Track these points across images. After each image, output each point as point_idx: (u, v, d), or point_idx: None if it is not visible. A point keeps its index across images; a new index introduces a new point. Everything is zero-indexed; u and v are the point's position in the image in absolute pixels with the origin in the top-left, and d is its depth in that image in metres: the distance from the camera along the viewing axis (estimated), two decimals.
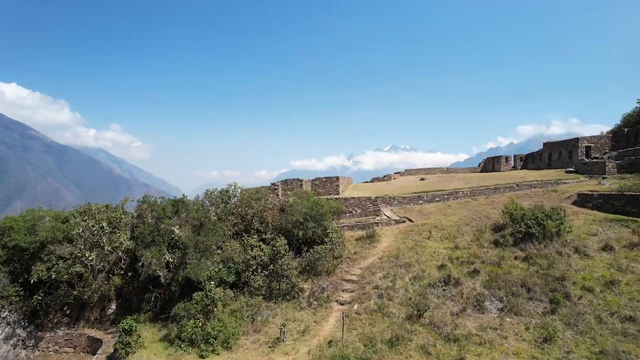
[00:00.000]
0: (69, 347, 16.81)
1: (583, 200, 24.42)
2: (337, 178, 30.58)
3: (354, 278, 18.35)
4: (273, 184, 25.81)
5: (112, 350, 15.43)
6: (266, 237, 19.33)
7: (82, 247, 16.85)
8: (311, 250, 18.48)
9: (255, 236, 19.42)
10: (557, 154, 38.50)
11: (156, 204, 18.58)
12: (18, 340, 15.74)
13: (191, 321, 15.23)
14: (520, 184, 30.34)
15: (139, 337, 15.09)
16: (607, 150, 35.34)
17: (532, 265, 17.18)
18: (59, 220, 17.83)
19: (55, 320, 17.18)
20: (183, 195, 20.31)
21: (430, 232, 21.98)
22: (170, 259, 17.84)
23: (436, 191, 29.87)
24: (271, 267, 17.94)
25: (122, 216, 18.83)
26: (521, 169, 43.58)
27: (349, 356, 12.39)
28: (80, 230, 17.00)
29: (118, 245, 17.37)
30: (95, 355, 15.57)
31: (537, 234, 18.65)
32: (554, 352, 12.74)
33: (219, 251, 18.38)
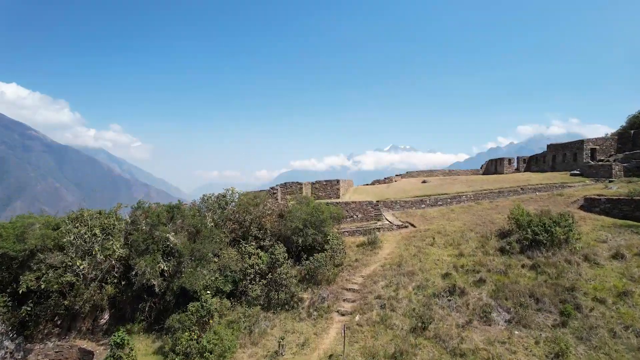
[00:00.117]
0: None
1: (590, 205, 23.81)
2: (338, 181, 29.97)
3: (356, 287, 17.74)
4: (272, 188, 25.19)
5: None
6: (264, 244, 18.72)
7: (74, 256, 16.23)
8: (311, 258, 17.87)
9: (254, 243, 18.81)
10: (561, 156, 37.87)
11: (150, 210, 17.97)
12: (6, 353, 15.13)
13: (186, 333, 14.61)
14: (524, 187, 29.71)
15: (132, 350, 14.48)
16: (612, 153, 34.72)
17: (540, 274, 16.55)
18: (50, 227, 17.21)
19: (45, 331, 16.56)
20: (179, 200, 19.67)
21: (433, 238, 21.36)
22: (165, 267, 17.23)
23: (439, 195, 29.25)
24: (269, 275, 17.32)
25: (116, 222, 18.21)
26: (524, 171, 42.96)
27: None
28: (72, 238, 16.38)
29: (111, 253, 16.75)
30: None
31: (545, 242, 18.03)
32: None
33: (216, 259, 17.78)
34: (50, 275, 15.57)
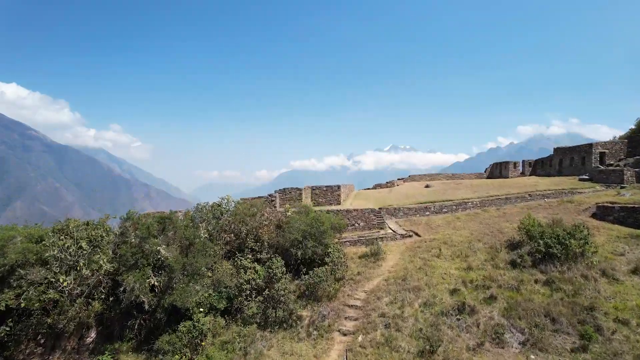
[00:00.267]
0: None
1: (603, 213, 22.75)
2: (339, 187, 28.93)
3: (358, 303, 16.69)
4: (270, 195, 24.16)
5: None
6: (261, 256, 17.69)
7: (57, 271, 15.18)
8: (311, 272, 16.84)
9: (250, 256, 17.77)
10: (568, 160, 36.82)
11: (140, 222, 16.93)
12: None
13: (176, 356, 13.59)
14: (532, 193, 28.67)
15: None
16: (622, 157, 33.65)
17: (555, 291, 15.49)
18: (33, 240, 16.17)
19: (27, 351, 15.51)
20: (170, 211, 18.61)
21: (439, 249, 20.31)
22: (156, 283, 16.19)
23: (443, 201, 28.21)
24: (267, 291, 16.29)
25: (104, 234, 17.17)
26: (530, 175, 41.91)
27: None
28: (55, 252, 15.34)
29: (97, 268, 15.72)
30: None
31: (559, 255, 16.98)
32: None
33: (210, 273, 16.75)
34: (31, 292, 14.53)
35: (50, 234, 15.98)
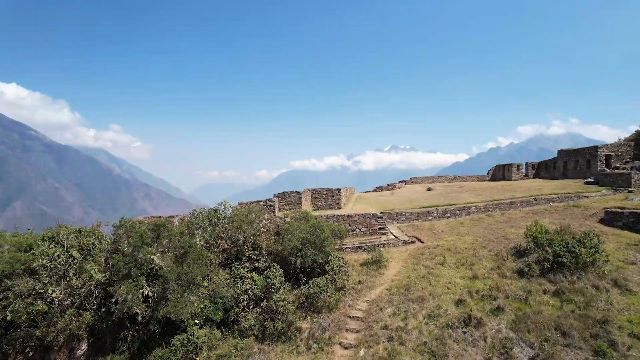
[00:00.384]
0: None
1: (611, 219, 22.11)
2: (339, 191, 28.30)
3: (360, 314, 16.06)
4: (269, 200, 23.53)
5: None
6: (259, 265, 17.05)
7: (46, 281, 14.56)
8: (310, 282, 16.21)
9: (247, 264, 17.14)
10: (573, 163, 36.16)
11: (134, 229, 16.30)
12: None
13: None
14: (537, 197, 28.01)
15: None
16: (628, 160, 32.99)
17: (565, 303, 14.84)
18: (21, 249, 15.55)
19: None
20: (166, 218, 17.98)
21: (444, 256, 19.68)
22: (150, 293, 15.56)
23: (447, 205, 27.57)
24: (265, 302, 15.66)
25: (96, 242, 16.55)
26: (533, 177, 41.26)
27: None
28: (44, 261, 14.71)
29: (88, 278, 15.10)
30: None
31: (569, 264, 16.34)
32: None
33: (205, 283, 16.12)
34: (18, 304, 13.91)
35: (39, 243, 15.36)
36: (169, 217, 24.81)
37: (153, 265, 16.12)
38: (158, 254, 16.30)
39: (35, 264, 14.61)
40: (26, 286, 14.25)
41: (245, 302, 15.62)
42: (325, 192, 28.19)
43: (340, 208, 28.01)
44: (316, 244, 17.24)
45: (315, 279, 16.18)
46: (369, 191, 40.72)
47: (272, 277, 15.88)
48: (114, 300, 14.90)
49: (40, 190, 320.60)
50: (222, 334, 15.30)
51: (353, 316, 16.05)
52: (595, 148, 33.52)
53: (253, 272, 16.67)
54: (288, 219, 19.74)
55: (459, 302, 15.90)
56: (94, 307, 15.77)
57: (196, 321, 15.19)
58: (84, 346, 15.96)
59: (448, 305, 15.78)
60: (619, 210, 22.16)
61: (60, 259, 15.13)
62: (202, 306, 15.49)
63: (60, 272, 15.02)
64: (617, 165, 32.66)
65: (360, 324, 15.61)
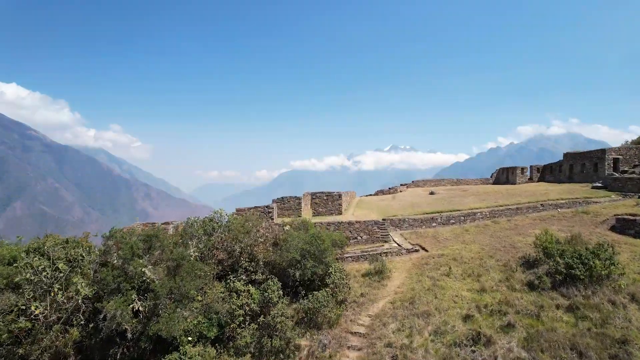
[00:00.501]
0: None
1: (623, 227, 21.28)
2: (340, 196, 27.46)
3: (362, 330, 15.23)
4: (267, 207, 22.71)
5: None
6: (256, 277, 16.24)
7: (30, 296, 13.73)
8: (310, 296, 15.39)
9: (244, 276, 16.32)
10: (579, 166, 35.29)
11: (124, 241, 15.48)
12: None
13: None
14: (544, 203, 27.17)
15: None
16: (637, 163, 32.14)
17: (581, 320, 14.00)
18: (4, 262, 14.73)
19: None
20: (158, 225, 17.15)
21: (449, 267, 18.85)
22: (141, 308, 14.73)
23: (451, 211, 26.73)
24: (262, 318, 14.84)
25: (84, 254, 15.72)
26: (538, 181, 40.42)
27: None
28: (28, 275, 13.89)
29: (75, 293, 14.27)
30: None
31: (582, 277, 15.50)
32: None
33: (200, 297, 15.29)
34: None
35: (22, 255, 14.53)
36: (163, 223, 23.99)
37: (144, 278, 15.31)
38: (150, 267, 15.46)
39: (18, 278, 13.78)
40: (7, 302, 13.43)
41: (242, 318, 14.80)
42: (325, 197, 27.35)
43: (340, 214, 27.19)
44: (316, 255, 16.42)
45: (315, 293, 15.36)
46: (370, 195, 39.89)
47: (269, 290, 15.06)
48: (102, 316, 14.09)
49: (40, 190, 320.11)
50: (217, 351, 14.48)
51: (355, 332, 15.23)
52: (603, 151, 32.67)
53: (250, 285, 15.85)
54: (287, 228, 18.92)
55: (466, 318, 15.07)
56: (82, 322, 14.94)
57: (189, 338, 14.37)
58: None
59: (455, 321, 14.95)
60: (631, 217, 21.33)
61: (45, 273, 14.32)
62: (195, 322, 14.66)
63: (45, 287, 14.20)
64: (626, 169, 31.81)
65: (363, 341, 14.79)
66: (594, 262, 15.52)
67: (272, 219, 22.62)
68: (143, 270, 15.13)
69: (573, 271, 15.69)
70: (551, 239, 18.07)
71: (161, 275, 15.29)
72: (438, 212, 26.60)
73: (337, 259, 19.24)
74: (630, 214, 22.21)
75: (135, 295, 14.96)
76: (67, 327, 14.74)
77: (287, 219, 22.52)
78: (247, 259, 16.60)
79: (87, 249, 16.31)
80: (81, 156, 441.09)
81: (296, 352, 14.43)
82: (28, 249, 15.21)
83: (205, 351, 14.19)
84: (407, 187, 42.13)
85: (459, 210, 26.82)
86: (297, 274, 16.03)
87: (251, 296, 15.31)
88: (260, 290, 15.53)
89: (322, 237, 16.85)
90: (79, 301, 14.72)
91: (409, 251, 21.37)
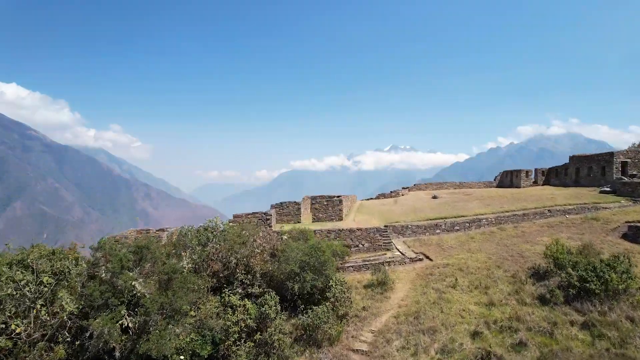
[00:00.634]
0: None
1: (635, 235, 20.46)
2: (340, 201, 26.62)
3: (364, 347, 14.39)
4: (265, 213, 21.87)
5: None
6: (253, 291, 15.40)
7: (12, 313, 12.91)
8: (310, 311, 14.55)
9: (240, 289, 15.48)
10: (586, 170, 34.42)
11: (113, 253, 14.66)
12: None
13: None
14: (552, 208, 26.32)
15: None
16: None
17: (598, 339, 13.16)
18: None
19: None
20: (150, 239, 16.24)
21: (455, 278, 18.02)
22: (131, 324, 13.91)
23: (455, 217, 25.90)
24: (258, 335, 14.01)
25: (72, 266, 14.89)
26: (543, 184, 39.55)
27: None
28: (10, 290, 13.06)
29: (60, 309, 13.45)
30: None
31: (598, 291, 14.66)
32: None
33: (193, 312, 14.47)
34: None
35: (4, 269, 13.69)
36: (158, 230, 23.17)
37: (135, 292, 14.49)
38: (140, 280, 14.65)
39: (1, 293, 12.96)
40: None
41: (237, 335, 13.96)
42: (325, 203, 26.50)
43: (341, 219, 26.35)
44: (316, 267, 15.58)
45: (315, 308, 14.52)
46: (371, 199, 39.06)
47: (266, 305, 14.23)
48: (88, 334, 13.27)
49: (40, 190, 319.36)
50: None
51: (357, 349, 14.38)
52: (611, 154, 31.81)
53: (246, 300, 15.01)
54: (285, 237, 18.09)
55: (475, 335, 14.24)
56: (68, 339, 14.12)
57: (181, 357, 13.53)
58: None
59: (463, 338, 14.11)
60: None
61: (28, 287, 13.50)
62: (188, 339, 13.82)
63: (28, 302, 13.38)
64: (634, 172, 30.96)
65: (365, 359, 13.97)
66: (609, 275, 14.69)
67: (270, 226, 21.79)
68: (133, 283, 14.31)
69: (587, 285, 14.85)
70: (562, 249, 17.24)
71: (152, 289, 14.47)
72: (442, 218, 25.76)
73: (337, 268, 18.41)
74: None
75: (125, 311, 14.12)
76: (53, 344, 13.92)
77: (286, 227, 21.68)
78: (243, 271, 15.76)
79: (75, 260, 15.49)
80: (81, 156, 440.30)
81: None
82: (11, 262, 14.37)
83: None
84: (408, 191, 41.27)
85: (464, 216, 25.98)
86: (296, 287, 15.19)
87: (247, 311, 14.46)
88: (257, 305, 14.70)
89: (322, 247, 16.01)
90: (65, 317, 13.91)
91: (412, 260, 20.53)
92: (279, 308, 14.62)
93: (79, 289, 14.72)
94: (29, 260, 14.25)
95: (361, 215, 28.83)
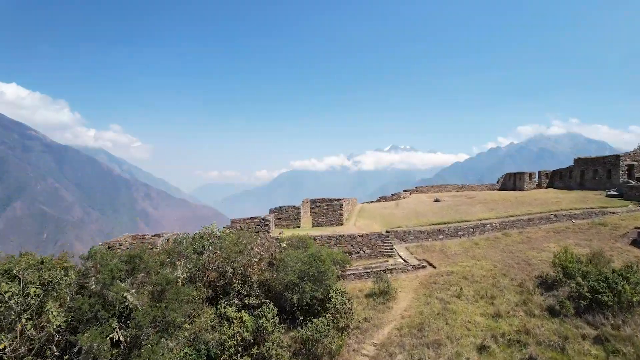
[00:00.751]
0: None
1: None
2: (341, 205, 26.00)
3: None
4: (263, 219, 21.25)
5: None
6: (250, 302, 14.78)
7: None
8: (309, 324, 13.93)
9: (236, 300, 14.87)
10: (591, 172, 33.77)
11: (104, 263, 14.04)
12: None
13: None
14: (557, 213, 25.68)
15: None
16: None
17: (612, 355, 12.52)
18: None
19: None
20: (142, 249, 15.58)
21: (460, 287, 17.40)
22: (122, 337, 13.29)
23: (459, 222, 25.27)
24: (255, 349, 13.40)
25: (61, 277, 14.27)
26: (547, 187, 38.90)
27: None
28: None
29: (47, 322, 12.84)
30: None
31: (610, 303, 14.03)
32: None
33: (187, 325, 13.86)
34: None
35: None
36: (154, 235, 22.54)
37: (127, 304, 13.87)
38: (132, 291, 14.03)
39: None
40: None
41: (233, 349, 13.35)
42: (325, 207, 25.88)
43: (342, 224, 25.73)
44: (316, 277, 14.97)
45: (314, 320, 13.90)
46: (372, 202, 38.44)
47: (264, 318, 13.61)
48: (76, 349, 12.65)
49: (40, 190, 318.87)
50: None
51: None
52: (617, 157, 31.17)
53: (242, 311, 14.39)
54: (284, 245, 17.47)
55: (482, 349, 13.61)
56: (56, 354, 13.52)
57: None
58: None
59: (470, 352, 13.49)
60: None
61: (14, 299, 12.88)
62: (181, 354, 13.23)
63: (13, 315, 12.77)
64: None
65: None
66: (623, 287, 14.07)
67: (269, 232, 21.18)
68: (125, 295, 13.68)
69: (599, 296, 14.22)
70: (571, 258, 16.61)
71: (145, 300, 13.86)
72: (445, 223, 25.13)
73: (338, 277, 17.79)
74: None
75: (116, 324, 13.50)
76: (40, 359, 13.31)
77: (285, 232, 21.07)
78: (240, 281, 15.15)
79: (64, 270, 14.86)
80: (81, 156, 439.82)
81: None
82: None
83: None
84: (410, 193, 40.65)
85: (467, 221, 25.36)
86: (295, 298, 14.58)
87: (244, 324, 13.84)
88: (254, 317, 14.09)
89: (322, 256, 15.40)
90: (52, 331, 13.29)
91: (415, 267, 19.91)
92: (277, 320, 14.00)
93: (68, 300, 14.10)
94: (15, 271, 13.63)
95: (362, 219, 28.21)
